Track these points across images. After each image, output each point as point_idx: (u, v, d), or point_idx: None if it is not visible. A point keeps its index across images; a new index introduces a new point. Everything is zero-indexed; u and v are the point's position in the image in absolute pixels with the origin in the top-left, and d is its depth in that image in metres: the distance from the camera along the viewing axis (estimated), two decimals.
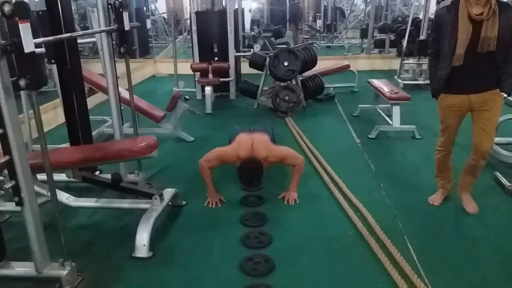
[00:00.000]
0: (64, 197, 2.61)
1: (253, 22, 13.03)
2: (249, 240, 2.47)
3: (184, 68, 6.58)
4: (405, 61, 7.18)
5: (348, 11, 13.93)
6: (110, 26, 2.79)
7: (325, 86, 5.93)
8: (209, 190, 2.97)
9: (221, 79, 5.69)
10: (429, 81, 2.81)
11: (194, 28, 5.89)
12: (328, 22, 13.70)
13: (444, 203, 2.91)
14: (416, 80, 6.95)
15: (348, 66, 6.62)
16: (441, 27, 2.51)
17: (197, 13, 5.92)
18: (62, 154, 2.53)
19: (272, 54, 5.32)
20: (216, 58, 6.07)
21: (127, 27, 2.79)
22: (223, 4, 7.82)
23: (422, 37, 6.93)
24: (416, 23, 7.42)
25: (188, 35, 13.46)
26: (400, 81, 6.77)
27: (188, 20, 13.30)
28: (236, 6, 7.07)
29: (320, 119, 5.19)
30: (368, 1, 10.90)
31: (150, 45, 10.18)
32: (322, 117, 5.25)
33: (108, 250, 2.43)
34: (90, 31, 3.51)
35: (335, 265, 2.27)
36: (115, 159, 2.54)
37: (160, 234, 2.53)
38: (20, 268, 2.09)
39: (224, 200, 3.00)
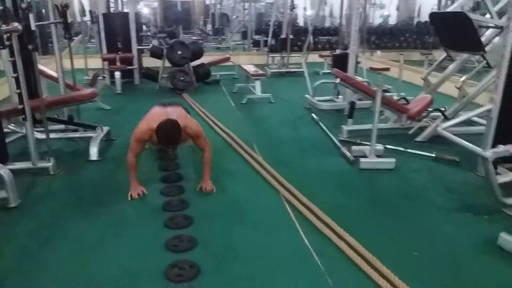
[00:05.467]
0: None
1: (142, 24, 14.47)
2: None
3: (88, 62, 7.80)
4: (272, 55, 9.35)
5: (233, 17, 16.08)
6: (56, 20, 4.15)
7: (212, 74, 7.74)
8: (132, 183, 2.97)
9: (127, 67, 7.07)
10: None
11: (101, 26, 7.15)
12: (216, 26, 15.67)
13: (282, 132, 4.89)
14: (280, 69, 9.16)
15: (229, 58, 8.48)
16: None
17: (104, 14, 7.20)
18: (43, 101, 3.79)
19: (168, 45, 6.92)
20: (119, 52, 7.38)
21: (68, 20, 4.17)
22: (119, 7, 9.17)
23: (282, 36, 9.17)
24: (279, 25, 9.67)
25: (86, 36, 14.31)
26: (268, 70, 8.88)
27: (85, 23, 14.19)
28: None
29: (208, 94, 6.94)
30: (246, 9, 13.09)
31: (50, 45, 10.89)
32: (210, 93, 7.02)
33: (71, 158, 3.84)
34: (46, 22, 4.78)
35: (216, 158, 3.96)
36: (73, 102, 3.94)
37: (102, 152, 3.97)
38: (21, 165, 3.39)
39: (146, 192, 3.01)
